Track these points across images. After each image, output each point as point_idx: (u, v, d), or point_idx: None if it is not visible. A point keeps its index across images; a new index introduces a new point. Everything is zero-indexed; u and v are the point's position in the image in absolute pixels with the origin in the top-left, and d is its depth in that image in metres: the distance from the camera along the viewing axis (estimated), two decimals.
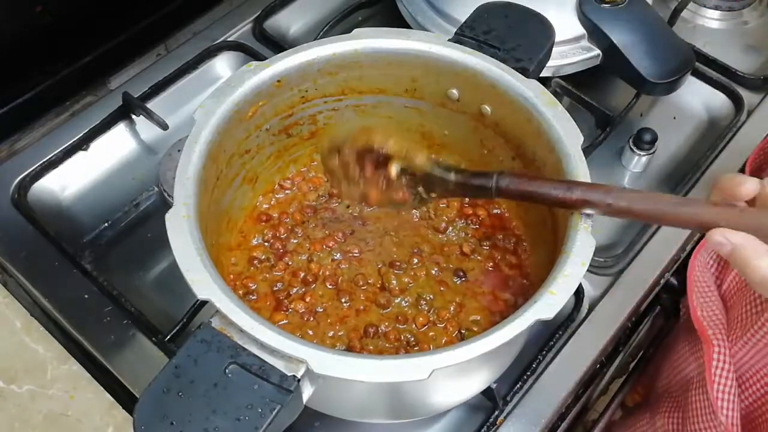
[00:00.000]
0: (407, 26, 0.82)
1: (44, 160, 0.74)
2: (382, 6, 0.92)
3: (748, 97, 0.84)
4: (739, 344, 0.62)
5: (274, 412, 0.40)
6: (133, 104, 0.77)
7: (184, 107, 0.81)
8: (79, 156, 0.76)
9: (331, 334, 0.56)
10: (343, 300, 0.57)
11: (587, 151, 0.73)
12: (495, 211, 0.63)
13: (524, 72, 0.56)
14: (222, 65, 0.85)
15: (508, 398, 0.61)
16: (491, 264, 0.60)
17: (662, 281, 0.71)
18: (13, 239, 0.69)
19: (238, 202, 0.60)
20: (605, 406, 0.74)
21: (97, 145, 0.77)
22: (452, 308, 0.57)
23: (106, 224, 0.72)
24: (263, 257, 0.60)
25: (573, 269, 0.46)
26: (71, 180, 0.75)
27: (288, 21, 0.91)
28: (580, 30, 0.78)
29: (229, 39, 0.86)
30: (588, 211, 0.47)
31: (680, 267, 0.76)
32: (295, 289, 0.58)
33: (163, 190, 0.73)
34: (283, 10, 0.91)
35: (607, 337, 0.66)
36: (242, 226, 0.61)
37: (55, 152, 0.74)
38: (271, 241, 0.61)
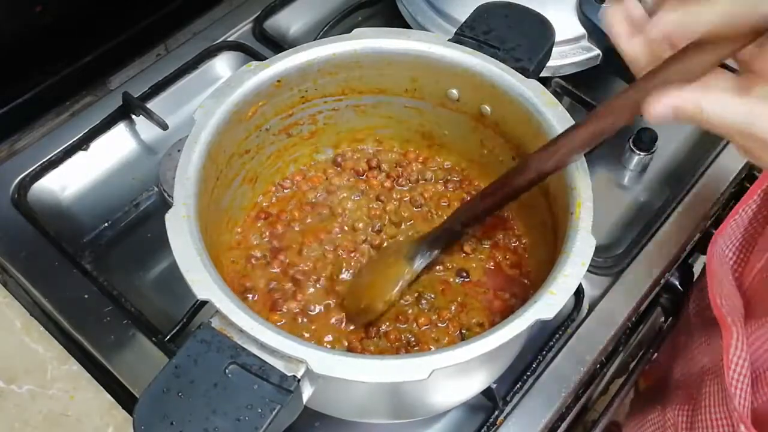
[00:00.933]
0: (407, 26, 0.82)
1: (44, 160, 0.74)
2: (382, 6, 0.92)
3: None
4: (756, 335, 0.61)
5: (274, 413, 0.40)
6: (133, 104, 0.77)
7: (184, 107, 0.81)
8: (79, 156, 0.76)
9: (329, 338, 0.56)
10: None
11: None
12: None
13: (524, 72, 0.56)
14: (222, 65, 0.85)
15: (508, 398, 0.61)
16: (492, 263, 0.60)
17: (662, 281, 0.71)
18: (13, 239, 0.69)
19: (237, 202, 0.60)
20: (605, 406, 0.74)
21: (97, 145, 0.77)
22: (453, 308, 0.57)
23: (106, 224, 0.72)
24: (260, 255, 0.60)
25: (573, 269, 0.46)
26: (71, 180, 0.75)
27: (288, 21, 0.91)
28: (580, 30, 0.78)
29: (229, 39, 0.86)
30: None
31: (680, 267, 0.76)
32: (289, 285, 0.58)
33: (163, 190, 0.73)
34: (283, 10, 0.91)
35: (607, 337, 0.66)
36: (242, 225, 0.61)
37: (55, 152, 0.74)
38: (269, 238, 0.61)
